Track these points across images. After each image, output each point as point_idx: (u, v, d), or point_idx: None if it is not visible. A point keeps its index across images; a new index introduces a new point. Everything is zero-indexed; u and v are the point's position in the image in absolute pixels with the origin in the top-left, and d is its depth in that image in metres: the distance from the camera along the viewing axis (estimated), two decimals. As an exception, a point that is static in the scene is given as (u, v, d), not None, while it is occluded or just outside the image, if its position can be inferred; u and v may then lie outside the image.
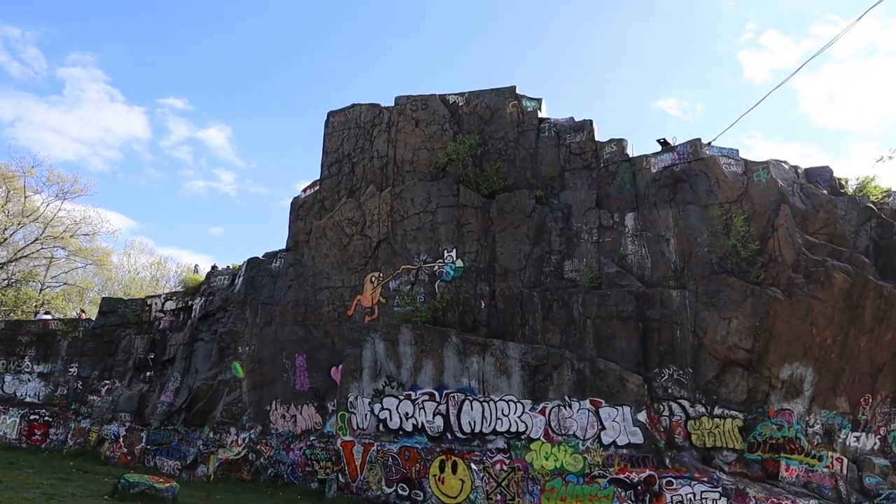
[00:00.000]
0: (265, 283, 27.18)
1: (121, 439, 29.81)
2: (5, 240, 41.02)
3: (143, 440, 29.07)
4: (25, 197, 41.11)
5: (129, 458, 28.97)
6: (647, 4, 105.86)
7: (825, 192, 19.73)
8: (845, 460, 18.09)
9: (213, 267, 31.80)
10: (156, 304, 32.89)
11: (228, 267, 31.13)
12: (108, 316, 34.01)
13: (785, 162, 19.82)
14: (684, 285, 18.82)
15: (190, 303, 31.22)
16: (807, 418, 17.90)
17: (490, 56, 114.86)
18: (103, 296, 38.66)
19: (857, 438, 18.61)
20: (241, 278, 28.34)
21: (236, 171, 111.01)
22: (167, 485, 17.31)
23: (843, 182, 20.88)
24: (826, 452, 17.77)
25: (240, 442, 25.98)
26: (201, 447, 26.88)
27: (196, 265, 35.81)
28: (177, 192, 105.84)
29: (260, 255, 28.34)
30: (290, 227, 26.92)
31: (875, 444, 18.87)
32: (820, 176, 20.40)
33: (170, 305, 32.22)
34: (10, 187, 40.61)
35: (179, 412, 28.70)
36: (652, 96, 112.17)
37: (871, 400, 18.77)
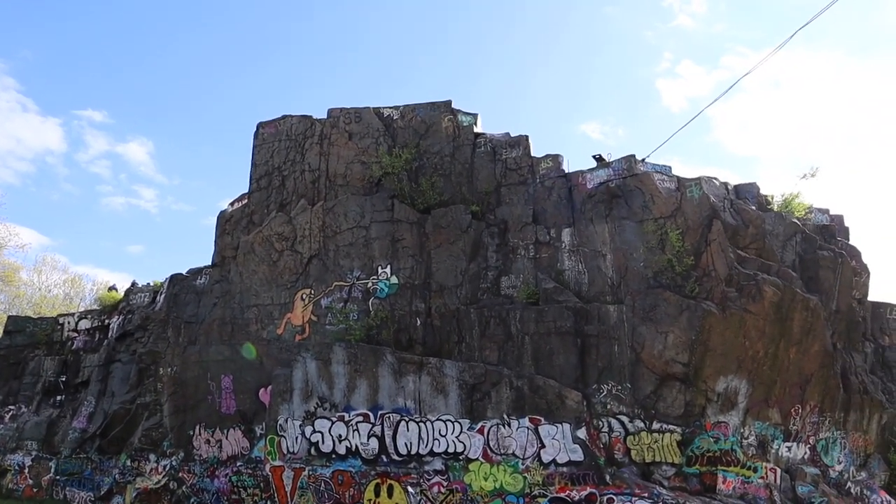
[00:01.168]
0: (189, 301, 25.91)
1: (26, 470, 27.89)
2: None
3: (52, 470, 27.26)
4: (-78, 208, 38.18)
5: (35, 490, 27.10)
6: (574, 35, 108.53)
7: (753, 207, 20.16)
8: (778, 470, 18.39)
9: (133, 283, 30.19)
10: (69, 322, 30.99)
11: (149, 284, 29.61)
12: (15, 336, 31.84)
13: (716, 179, 20.18)
14: (621, 300, 18.80)
15: (107, 321, 29.54)
16: (742, 430, 18.10)
17: (425, 74, 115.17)
18: (9, 314, 36.24)
19: (789, 448, 19.00)
20: (162, 295, 26.96)
21: (158, 188, 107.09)
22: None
23: (770, 198, 21.46)
24: (760, 463, 18.02)
25: (160, 469, 24.58)
26: (117, 476, 25.36)
27: (113, 284, 33.99)
28: (93, 209, 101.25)
29: (183, 272, 27.06)
30: (216, 242, 25.78)
31: (805, 453, 19.32)
32: (748, 192, 20.87)
33: (84, 324, 30.42)
34: None
35: (93, 439, 27.02)
36: (576, 120, 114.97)
37: (800, 410, 19.23)
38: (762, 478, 17.95)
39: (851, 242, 22.27)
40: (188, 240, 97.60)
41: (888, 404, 21.17)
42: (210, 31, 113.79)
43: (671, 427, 17.67)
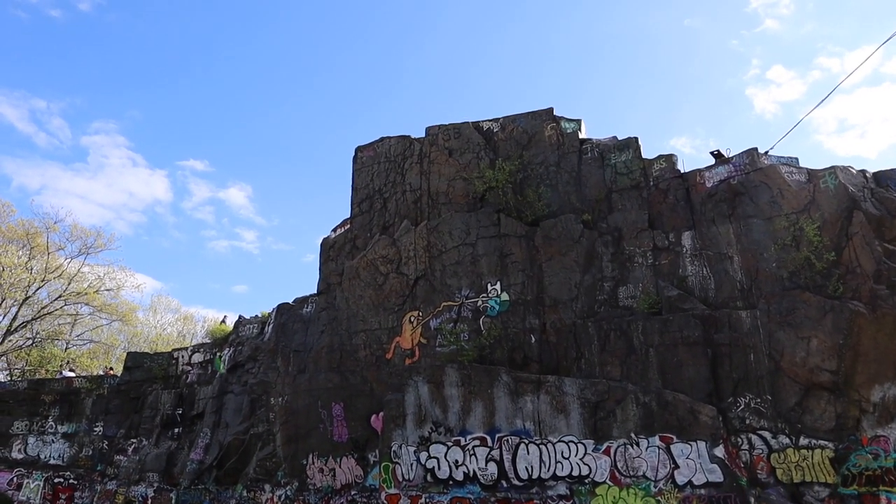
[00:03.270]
0: (296, 330, 25.95)
1: (149, 501, 28.44)
2: (28, 297, 40.24)
3: (173, 501, 27.70)
4: (49, 253, 40.45)
5: (159, 521, 27.57)
6: (658, 50, 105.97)
7: (898, 196, 18.27)
8: (951, 491, 16.25)
9: (240, 317, 30.67)
10: (182, 356, 31.74)
11: (257, 315, 30.00)
12: (134, 371, 32.91)
13: (851, 167, 18.42)
14: (754, 305, 17.28)
15: (218, 354, 30.03)
16: (904, 445, 16.12)
17: (523, 88, 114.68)
18: (128, 351, 37.64)
19: (962, 465, 16.76)
20: (270, 325, 27.16)
21: (258, 230, 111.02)
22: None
23: (914, 187, 19.43)
24: (929, 483, 15.96)
25: (275, 499, 24.48)
26: (235, 507, 25.45)
27: (225, 316, 34.75)
28: (200, 253, 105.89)
29: (290, 301, 27.21)
30: (320, 269, 25.78)
31: (982, 470, 17.01)
32: (891, 179, 18.93)
33: (197, 358, 31.06)
34: (32, 244, 39.98)
35: (210, 470, 27.32)
36: (665, 136, 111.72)
37: (973, 421, 16.98)
38: (933, 498, 15.91)
39: None
40: (289, 277, 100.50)
41: None
42: (286, 63, 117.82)
43: (821, 442, 15.91)
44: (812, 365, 16.22)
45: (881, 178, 19.14)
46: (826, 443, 15.89)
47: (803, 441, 16.02)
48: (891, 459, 15.79)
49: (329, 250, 25.46)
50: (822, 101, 20.86)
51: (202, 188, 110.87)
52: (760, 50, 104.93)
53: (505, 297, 20.24)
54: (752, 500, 15.36)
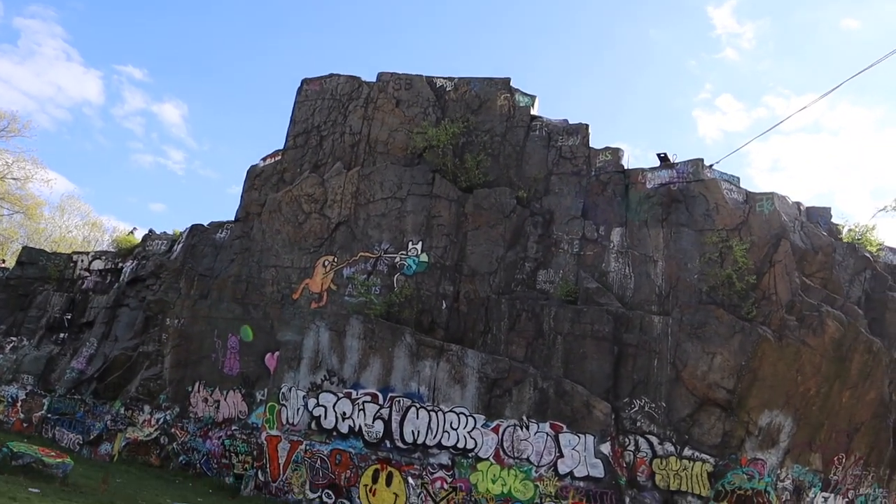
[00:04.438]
0: (206, 254, 24.80)
1: (18, 403, 26.95)
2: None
3: (45, 408, 26.32)
4: (-48, 128, 37.57)
5: (24, 425, 26.16)
6: (615, 54, 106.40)
7: (825, 233, 18.53)
8: (812, 522, 16.75)
9: (151, 231, 29.19)
10: (82, 261, 30.06)
11: (168, 233, 28.59)
12: (27, 267, 31.03)
13: (787, 197, 18.57)
14: (668, 312, 17.26)
15: (120, 265, 28.56)
16: (779, 471, 16.48)
17: (486, 46, 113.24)
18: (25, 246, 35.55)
19: (826, 499, 17.35)
20: (180, 245, 25.90)
21: (187, 151, 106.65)
22: (59, 460, 14.89)
23: (840, 227, 19.80)
24: (794, 511, 16.40)
25: (153, 422, 23.49)
26: (108, 423, 24.33)
27: (134, 228, 33.00)
28: (122, 163, 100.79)
29: (205, 224, 25.97)
30: (242, 196, 24.66)
31: (843, 508, 17.62)
32: (821, 217, 19.25)
33: (97, 265, 29.46)
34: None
35: (90, 381, 26.02)
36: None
37: (844, 460, 17.56)
38: (793, 526, 16.35)
39: (920, 288, 20.48)
40: (211, 205, 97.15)
41: (938, 469, 19.39)
42: None
43: (704, 456, 16.09)
44: (711, 380, 16.33)
45: (812, 213, 19.41)
46: (708, 457, 16.07)
47: (687, 452, 16.15)
48: (763, 483, 16.13)
49: (254, 178, 24.33)
50: (763, 133, 21.13)
51: (136, 97, 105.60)
52: (715, 76, 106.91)
53: (424, 258, 19.69)
54: (628, 500, 15.40)
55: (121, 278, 27.90)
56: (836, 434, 17.41)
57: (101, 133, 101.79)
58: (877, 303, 18.61)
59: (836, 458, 17.42)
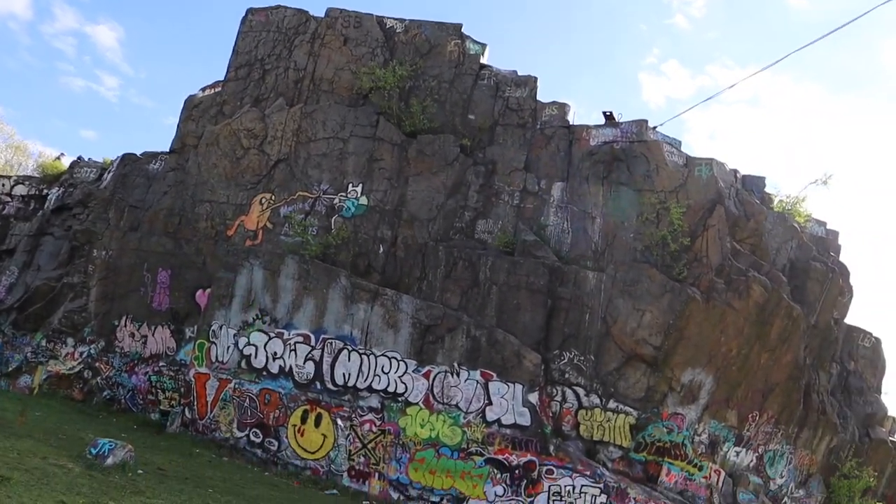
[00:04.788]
0: (138, 185, 23.89)
1: (-69, 331, 25.73)
2: None
3: (-41, 335, 25.23)
4: None
5: (-63, 354, 25.06)
6: (572, 13, 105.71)
7: (758, 202, 19.03)
8: (723, 473, 17.58)
9: (79, 157, 27.90)
10: (3, 185, 28.58)
11: (98, 161, 27.38)
12: (-57, 189, 29.35)
13: (725, 164, 18.90)
14: (602, 268, 17.51)
15: (45, 191, 27.31)
16: (696, 426, 17.16)
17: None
18: (-58, 166, 33.58)
19: (738, 454, 18.21)
20: (110, 174, 24.86)
21: (122, 78, 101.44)
22: (-31, 392, 14.27)
23: (772, 197, 20.36)
24: (707, 463, 17.16)
25: (76, 356, 22.84)
26: (29, 355, 23.54)
27: (62, 154, 31.46)
28: (51, 85, 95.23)
29: (138, 154, 24.96)
30: (178, 126, 23.72)
31: (752, 461, 18.57)
32: (755, 185, 19.73)
33: (20, 190, 28.07)
34: None
35: (9, 311, 25.04)
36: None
37: (757, 417, 18.42)
38: (706, 477, 17.11)
39: (842, 260, 21.37)
40: (145, 136, 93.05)
41: (841, 429, 20.57)
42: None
43: (627, 409, 16.60)
44: (639, 337, 16.73)
45: (747, 181, 19.88)
46: (631, 410, 16.58)
47: (612, 404, 16.62)
48: (681, 436, 16.77)
49: (192, 109, 23.41)
50: (705, 101, 21.45)
51: (68, 16, 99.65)
52: (663, 41, 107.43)
53: (364, 201, 19.41)
54: (552, 448, 15.78)
55: (45, 205, 26.70)
56: (752, 393, 18.19)
57: (27, 51, 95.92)
58: (800, 271, 19.33)
59: (750, 416, 18.24)
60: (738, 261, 17.58)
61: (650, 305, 16.77)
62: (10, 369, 23.65)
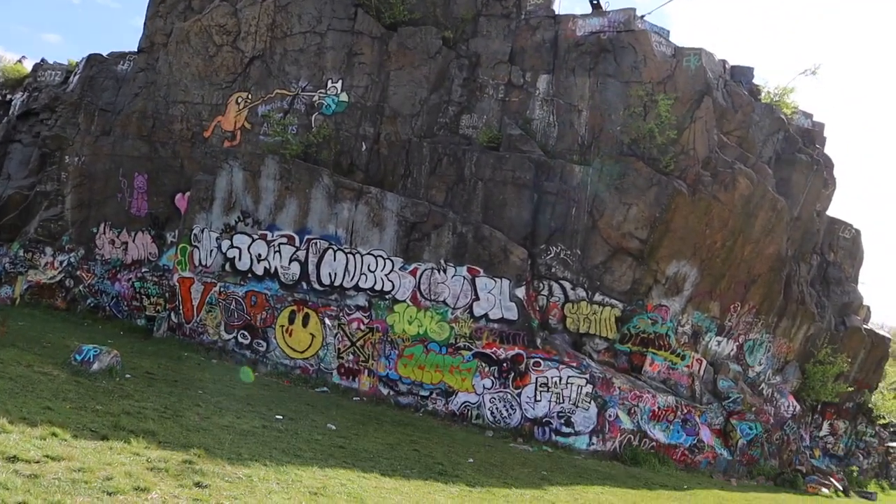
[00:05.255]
0: (107, 87, 23.01)
1: None
2: None
3: (-66, 249, 24.72)
4: None
5: (-87, 267, 24.61)
6: None
7: (746, 93, 18.70)
8: (704, 362, 18.03)
9: (42, 60, 26.68)
10: (-35, 93, 27.37)
11: (63, 63, 26.21)
12: None
13: (714, 54, 18.43)
14: (589, 162, 17.27)
15: (9, 97, 26.28)
16: (680, 317, 17.45)
17: None
18: None
19: (719, 343, 18.62)
20: (76, 76, 23.88)
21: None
22: (-53, 303, 13.98)
23: (760, 88, 20.02)
24: (689, 352, 17.56)
25: (56, 265, 22.54)
26: (7, 265, 23.20)
27: (23, 57, 30.05)
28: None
29: (104, 54, 23.89)
30: (145, 24, 22.62)
31: (732, 350, 19.02)
32: (743, 76, 19.34)
33: (-18, 97, 26.93)
34: None
35: (-16, 222, 24.48)
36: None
37: (739, 308, 18.74)
38: (688, 366, 17.54)
39: (826, 152, 21.30)
40: (111, 39, 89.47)
41: (818, 318, 21.05)
42: None
43: (613, 301, 16.77)
44: (626, 230, 16.71)
45: (735, 72, 19.48)
46: (617, 302, 16.75)
47: (597, 297, 16.76)
48: (665, 327, 17.06)
49: (159, 5, 22.26)
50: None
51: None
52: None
53: (344, 97, 18.81)
54: (539, 341, 15.99)
55: (10, 111, 25.73)
56: (734, 285, 18.44)
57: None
58: (785, 163, 19.27)
59: (732, 307, 18.56)
60: (725, 153, 17.43)
61: (637, 199, 16.67)
62: (-11, 280, 23.36)
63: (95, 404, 8.99)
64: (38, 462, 6.02)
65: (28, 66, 27.62)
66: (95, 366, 11.46)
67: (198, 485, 6.37)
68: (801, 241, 20.28)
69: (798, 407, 20.25)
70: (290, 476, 7.43)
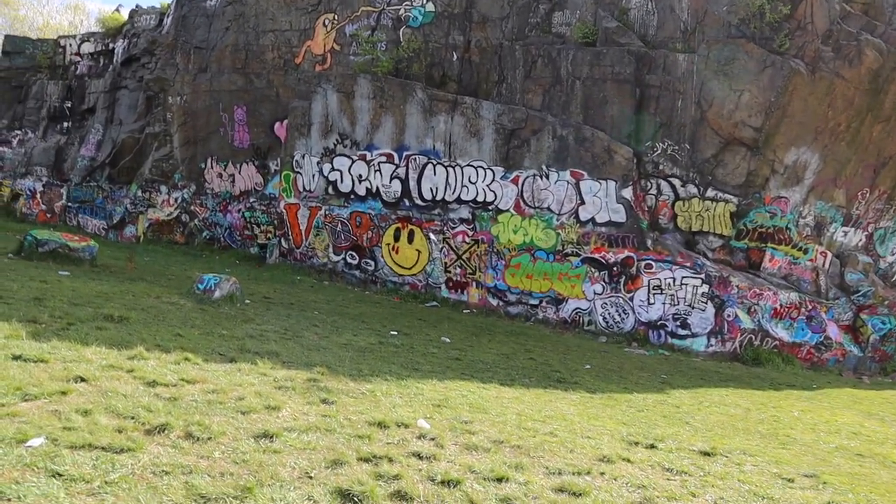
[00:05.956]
0: (199, 25, 23.36)
1: (38, 195, 27.12)
2: None
3: (64, 197, 26.49)
4: None
5: (48, 216, 26.52)
6: None
7: (869, -48, 16.80)
8: (829, 255, 16.91)
9: (137, 6, 27.37)
10: (70, 45, 28.65)
11: (155, 7, 26.81)
12: (14, 57, 29.73)
13: (830, -89, 16.55)
14: (693, 49, 16.12)
15: (111, 45, 27.21)
16: (801, 208, 16.33)
17: None
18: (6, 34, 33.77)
19: (846, 234, 17.36)
20: (169, 18, 24.40)
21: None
22: (84, 244, 14.85)
23: (886, -54, 17.90)
24: (812, 245, 16.48)
25: (171, 202, 23.65)
26: (129, 206, 24.57)
27: (119, 6, 30.97)
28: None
29: (193, -8, 24.18)
30: (229, -44, 22.60)
31: (861, 240, 17.74)
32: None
33: (87, 48, 28.10)
34: None
35: (103, 167, 25.92)
36: None
37: (867, 195, 17.33)
38: (811, 260, 16.51)
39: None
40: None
41: (961, 200, 19.23)
42: None
43: (727, 196, 15.84)
44: (738, 119, 15.62)
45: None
46: (731, 197, 15.82)
47: (710, 193, 15.89)
48: (785, 220, 16.04)
49: (241, -66, 22.13)
50: None
51: None
52: None
53: (430, 7, 18.27)
54: (649, 242, 15.43)
55: (114, 59, 26.70)
56: (862, 169, 17.01)
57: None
58: (919, 28, 17.33)
59: (859, 193, 17.17)
60: (849, 24, 15.80)
61: (748, 84, 15.46)
62: (115, 221, 24.85)
63: (221, 329, 9.33)
64: (175, 385, 6.27)
65: (125, 14, 28.45)
66: (217, 293, 11.92)
67: (324, 401, 6.47)
68: (937, 117, 18.39)
69: (936, 298, 18.83)
70: (412, 389, 7.48)
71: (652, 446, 6.49)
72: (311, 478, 4.55)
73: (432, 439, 5.68)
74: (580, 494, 4.86)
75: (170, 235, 23.31)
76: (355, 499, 4.31)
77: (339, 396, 6.68)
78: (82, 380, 5.96)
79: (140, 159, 24.77)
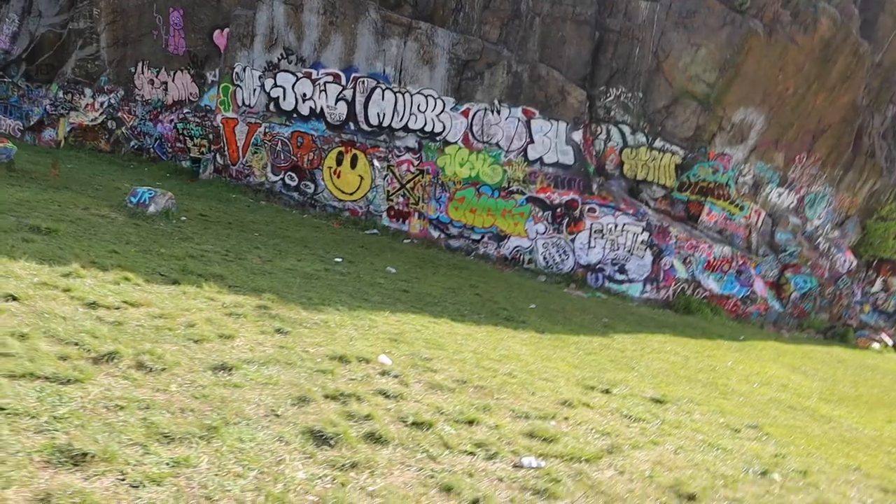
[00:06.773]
0: (135, -88, 21.48)
1: (-57, 89, 24.86)
2: None
3: (-28, 89, 24.40)
4: None
5: (-45, 112, 24.44)
6: None
7: (836, -84, 16.80)
8: (763, 213, 17.44)
9: None
10: (-13, -80, 25.91)
11: None
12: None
13: None
14: (656, -2, 15.93)
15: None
16: (742, 167, 16.67)
17: None
18: None
19: (780, 195, 17.90)
20: None
21: None
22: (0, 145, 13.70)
23: (851, -89, 17.96)
24: (749, 203, 16.93)
25: (97, 106, 22.14)
26: (48, 107, 22.87)
27: None
28: None
29: None
30: None
31: (793, 202, 18.32)
32: None
33: (7, -74, 25.49)
34: None
35: (19, 62, 23.94)
36: None
37: (804, 159, 17.85)
38: (746, 217, 16.99)
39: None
40: None
41: (886, 172, 20.05)
42: None
43: (674, 148, 15.99)
44: (692, 73, 15.64)
45: None
46: (678, 149, 15.98)
47: (658, 143, 15.99)
48: (726, 177, 16.35)
49: None
50: None
51: None
52: None
53: (392, -78, 17.33)
54: (595, 186, 15.47)
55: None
56: (802, 134, 17.44)
57: None
58: (874, 2, 17.63)
59: (797, 157, 17.65)
60: (809, -12, 15.90)
61: (707, 39, 15.44)
62: (32, 122, 23.14)
63: (159, 247, 8.82)
64: (118, 308, 5.83)
65: None
66: (151, 208, 11.28)
67: (279, 331, 6.18)
68: (878, 91, 18.92)
69: (855, 262, 19.76)
70: (366, 321, 7.26)
71: (607, 391, 6.54)
72: (278, 416, 4.30)
73: (396, 377, 5.52)
74: (551, 441, 4.81)
75: (94, 142, 21.90)
76: (329, 441, 4.10)
77: (294, 326, 6.40)
78: (14, 298, 5.44)
79: (62, 57, 22.98)
